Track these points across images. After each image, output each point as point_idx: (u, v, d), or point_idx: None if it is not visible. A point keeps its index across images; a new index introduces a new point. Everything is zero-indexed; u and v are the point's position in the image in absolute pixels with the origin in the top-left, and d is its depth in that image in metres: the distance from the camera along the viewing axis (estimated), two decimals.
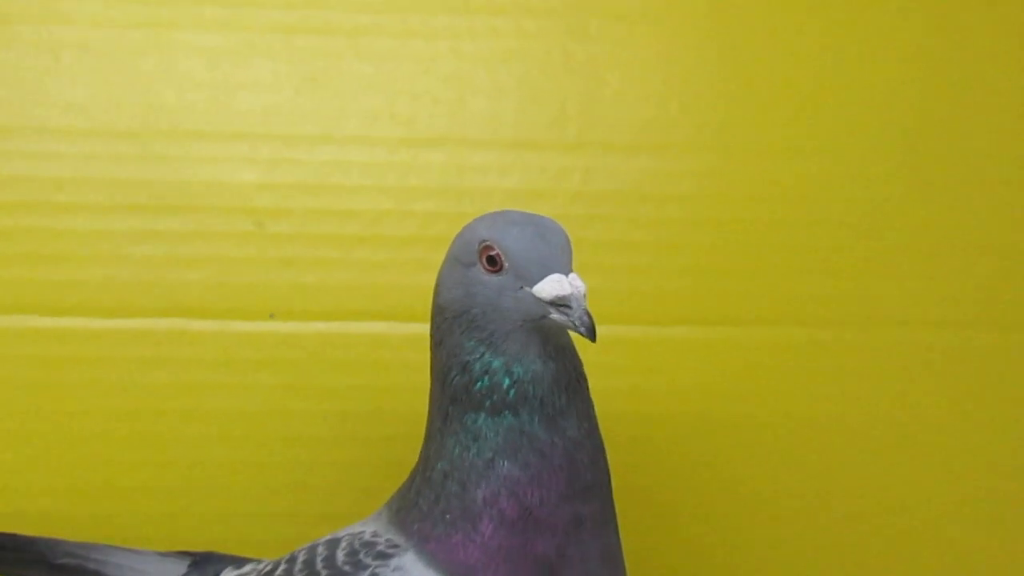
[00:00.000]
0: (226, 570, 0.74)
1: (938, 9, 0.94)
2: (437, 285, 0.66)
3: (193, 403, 0.92)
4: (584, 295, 0.59)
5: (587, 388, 0.65)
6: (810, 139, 0.95)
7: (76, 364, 0.90)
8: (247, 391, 0.92)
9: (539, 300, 0.60)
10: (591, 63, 0.94)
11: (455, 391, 0.62)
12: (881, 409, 0.95)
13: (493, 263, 0.61)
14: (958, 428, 0.95)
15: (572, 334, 0.64)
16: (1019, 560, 0.95)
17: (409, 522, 0.64)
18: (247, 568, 0.73)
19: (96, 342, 0.90)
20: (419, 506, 0.63)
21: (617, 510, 0.66)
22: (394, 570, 0.61)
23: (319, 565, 0.63)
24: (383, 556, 0.62)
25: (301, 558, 0.65)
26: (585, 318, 0.59)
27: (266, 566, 0.69)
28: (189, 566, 0.76)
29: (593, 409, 0.65)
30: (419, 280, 0.90)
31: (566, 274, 0.60)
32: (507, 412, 0.61)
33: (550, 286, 0.60)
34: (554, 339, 0.63)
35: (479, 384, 0.61)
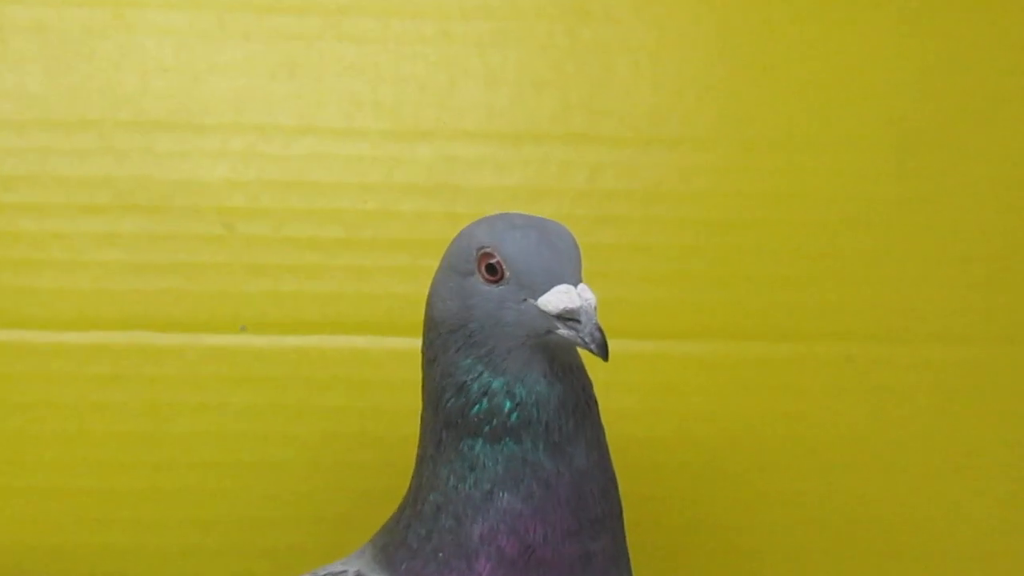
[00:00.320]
0: None
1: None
2: (430, 296, 0.65)
3: (156, 426, 0.92)
4: (595, 308, 0.59)
5: (597, 412, 0.65)
6: (842, 131, 0.95)
7: (26, 383, 0.90)
8: (216, 412, 0.92)
9: (545, 313, 0.60)
10: (598, 46, 0.94)
11: (450, 415, 0.62)
12: (920, 429, 0.96)
13: (493, 272, 0.61)
14: (980, 446, 0.96)
15: (581, 351, 0.64)
16: None
17: (397, 561, 0.63)
18: None
19: (49, 358, 0.90)
20: (408, 543, 0.63)
21: (629, 545, 0.66)
22: None
23: None
24: None
25: None
26: (596, 334, 0.58)
27: None
28: None
29: (604, 435, 0.65)
30: (408, 289, 0.91)
31: (575, 284, 0.60)
32: (508, 438, 0.61)
33: (557, 298, 0.59)
34: (561, 357, 0.62)
35: (477, 407, 0.61)
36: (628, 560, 0.65)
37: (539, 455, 0.61)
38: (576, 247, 0.63)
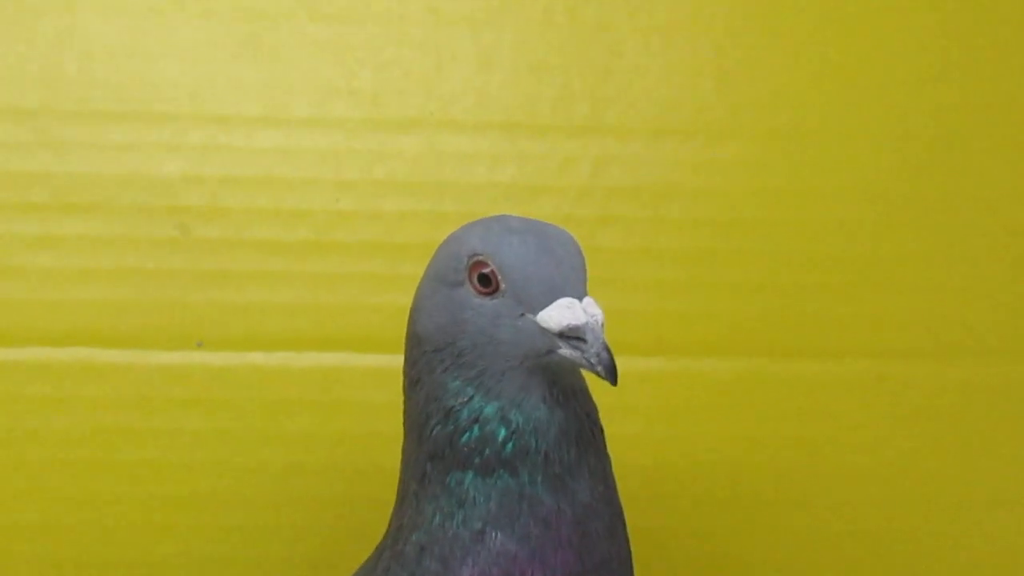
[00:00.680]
0: None
1: None
2: (414, 310, 0.65)
3: (100, 454, 0.91)
4: (602, 325, 0.59)
5: (603, 440, 0.65)
6: (881, 120, 0.96)
7: None
8: (168, 439, 0.92)
9: (545, 331, 0.60)
10: (603, 25, 0.94)
11: (436, 444, 0.62)
12: (965, 458, 0.97)
13: (487, 283, 0.61)
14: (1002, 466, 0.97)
15: (586, 374, 0.64)
16: None
17: None
18: None
19: None
20: None
21: None
22: None
23: None
24: None
25: None
26: (604, 354, 0.58)
27: None
28: None
29: (610, 466, 0.65)
30: (387, 300, 0.91)
31: (579, 298, 0.60)
32: (502, 471, 0.61)
33: (559, 313, 0.59)
34: (563, 380, 0.62)
35: (467, 435, 0.61)
36: None
37: (537, 489, 0.60)
38: (580, 255, 0.62)
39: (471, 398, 0.61)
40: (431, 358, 0.63)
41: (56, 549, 0.91)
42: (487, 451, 0.61)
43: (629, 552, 0.65)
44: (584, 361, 0.59)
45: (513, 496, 0.60)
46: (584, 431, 0.63)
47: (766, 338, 0.95)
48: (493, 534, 0.60)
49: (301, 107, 0.93)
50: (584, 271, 0.62)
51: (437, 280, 0.64)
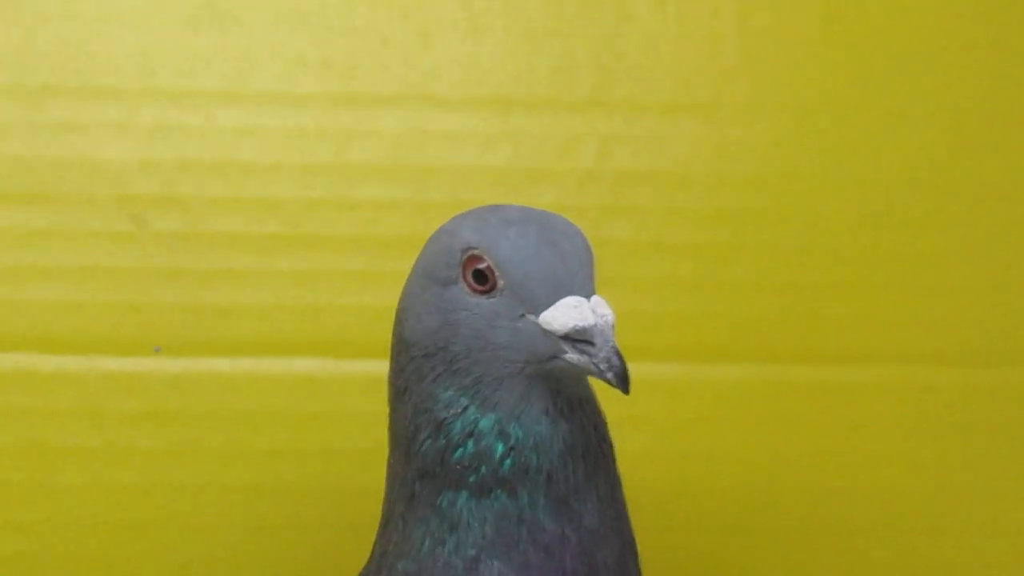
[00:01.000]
0: None
1: None
2: (400, 311, 0.65)
3: (42, 474, 0.91)
4: (612, 326, 0.59)
5: (613, 457, 0.65)
6: (916, 100, 0.96)
7: None
8: (120, 457, 0.92)
9: (548, 334, 0.59)
10: None
11: (425, 461, 0.62)
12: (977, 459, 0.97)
13: (482, 280, 0.61)
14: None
15: (594, 381, 0.63)
16: None
17: None
18: None
19: None
20: None
21: None
22: None
23: None
24: None
25: None
26: (614, 360, 0.58)
27: None
28: None
29: (620, 487, 0.65)
30: (367, 300, 0.91)
31: (587, 297, 0.60)
32: (499, 491, 0.61)
33: (564, 314, 0.59)
34: (568, 389, 0.62)
35: (460, 451, 0.61)
36: None
37: (539, 512, 0.60)
38: (588, 249, 0.62)
39: (465, 409, 0.61)
40: (420, 365, 0.63)
41: None
42: (483, 469, 0.61)
43: None
44: (592, 367, 0.58)
45: (511, 520, 0.60)
46: (592, 447, 0.62)
47: (791, 342, 0.95)
48: (489, 563, 0.60)
49: (266, 81, 0.93)
50: (592, 267, 0.62)
51: (427, 277, 0.63)
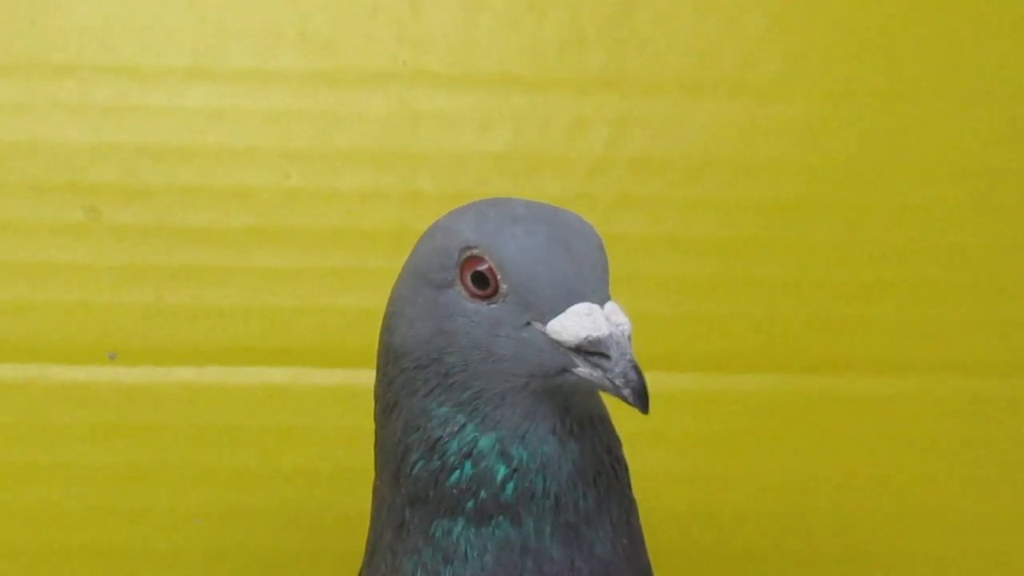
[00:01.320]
0: None
1: None
2: (389, 316, 0.64)
3: None
4: (629, 337, 0.57)
5: (628, 481, 0.63)
6: (960, 81, 0.95)
7: None
8: (71, 475, 0.90)
9: (557, 344, 0.58)
10: None
11: (417, 485, 0.61)
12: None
13: (483, 284, 0.59)
14: None
15: (606, 398, 0.62)
16: None
17: None
18: None
19: None
20: None
21: None
22: None
23: None
24: None
25: None
26: (632, 374, 0.56)
27: None
28: None
29: (636, 513, 0.63)
30: (350, 303, 0.90)
31: (600, 303, 0.58)
32: (501, 518, 0.59)
33: (575, 323, 0.57)
34: (578, 406, 0.61)
35: (456, 474, 0.60)
36: None
37: (545, 541, 0.59)
38: (601, 249, 0.61)
39: (462, 427, 0.60)
40: (411, 377, 0.61)
41: None
42: (482, 494, 0.59)
43: None
44: (607, 383, 0.57)
45: (514, 550, 0.59)
46: (604, 470, 0.61)
47: (824, 349, 0.95)
48: None
49: (240, 56, 0.92)
50: (606, 270, 0.60)
51: (419, 279, 0.62)
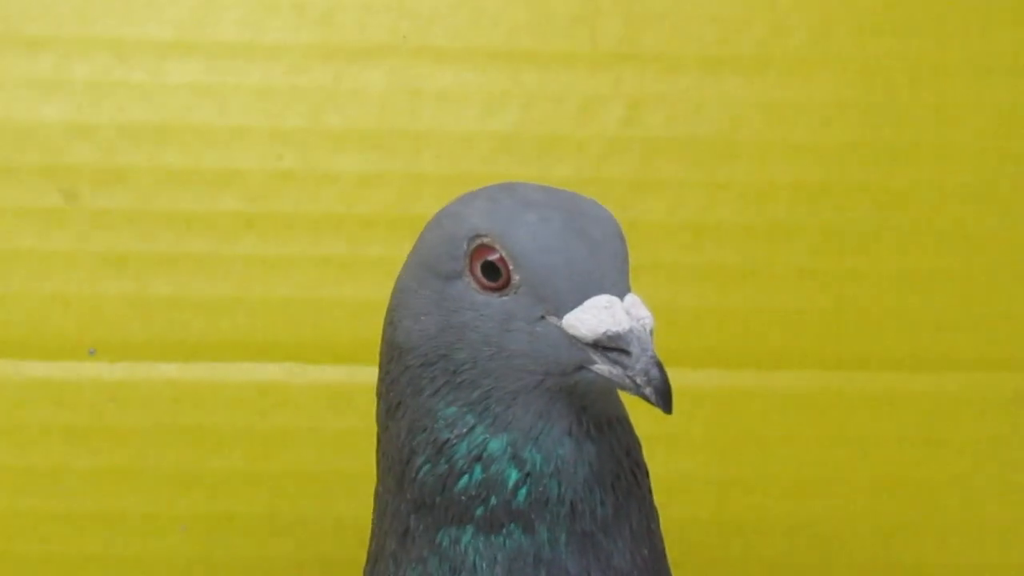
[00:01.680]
0: None
1: None
2: (392, 309, 0.63)
3: None
4: (651, 332, 0.56)
5: (648, 487, 0.62)
6: (999, 53, 0.94)
7: None
8: (48, 478, 0.90)
9: (574, 340, 0.57)
10: None
11: (423, 490, 0.60)
12: None
13: (494, 275, 0.58)
14: None
15: (626, 396, 0.60)
16: None
17: None
18: None
19: None
20: None
21: None
22: None
23: None
24: None
25: None
26: (654, 372, 0.55)
27: None
28: None
29: (657, 521, 0.62)
30: (347, 294, 0.89)
31: (620, 296, 0.57)
32: (513, 526, 0.58)
33: (594, 316, 0.56)
34: (596, 406, 0.60)
35: (465, 479, 0.59)
36: None
37: (560, 551, 0.58)
38: (621, 238, 0.60)
39: (471, 429, 0.59)
40: (417, 375, 0.60)
41: None
42: (492, 500, 0.58)
43: None
44: (627, 381, 0.55)
45: (527, 560, 0.58)
46: (624, 474, 0.60)
47: (856, 344, 0.94)
48: None
49: (228, 28, 0.91)
50: (626, 260, 0.60)
51: (425, 270, 0.61)
